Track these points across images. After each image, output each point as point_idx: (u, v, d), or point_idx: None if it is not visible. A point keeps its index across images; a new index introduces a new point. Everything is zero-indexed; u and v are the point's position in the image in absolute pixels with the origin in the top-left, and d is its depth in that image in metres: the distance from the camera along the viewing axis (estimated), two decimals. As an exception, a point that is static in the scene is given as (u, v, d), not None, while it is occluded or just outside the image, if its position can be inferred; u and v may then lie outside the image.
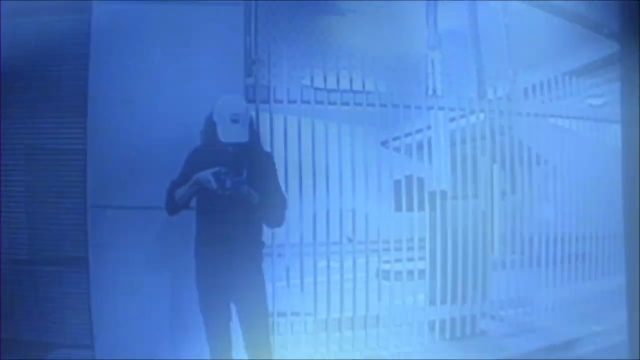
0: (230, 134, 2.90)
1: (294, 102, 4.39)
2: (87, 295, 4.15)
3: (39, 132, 4.50)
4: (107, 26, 3.99)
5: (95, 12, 4.02)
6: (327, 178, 4.48)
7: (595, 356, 4.42)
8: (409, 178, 4.74)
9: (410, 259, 4.75)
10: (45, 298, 4.46)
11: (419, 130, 4.83)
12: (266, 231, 3.23)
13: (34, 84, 4.46)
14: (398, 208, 4.73)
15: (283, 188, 3.52)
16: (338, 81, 4.52)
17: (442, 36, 4.99)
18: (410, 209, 4.72)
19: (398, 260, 4.67)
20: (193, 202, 3.05)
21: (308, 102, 4.44)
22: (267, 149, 3.78)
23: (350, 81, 4.55)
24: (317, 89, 4.48)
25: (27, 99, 4.48)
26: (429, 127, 4.85)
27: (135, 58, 3.94)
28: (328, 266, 4.49)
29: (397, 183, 4.71)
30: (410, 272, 4.74)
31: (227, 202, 2.86)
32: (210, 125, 2.99)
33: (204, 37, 3.94)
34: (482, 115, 4.97)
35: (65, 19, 4.31)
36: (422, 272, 4.80)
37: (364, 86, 4.58)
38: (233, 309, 3.08)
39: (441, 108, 4.85)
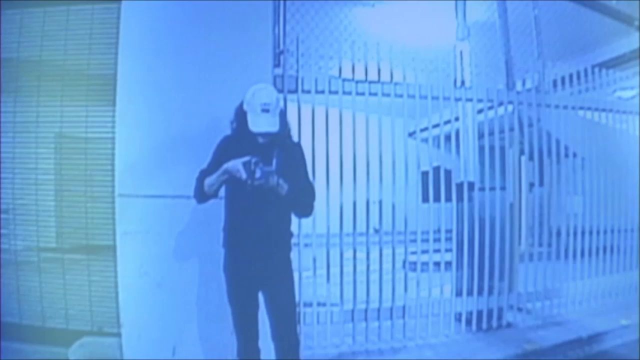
0: (260, 124, 2.88)
1: (322, 92, 4.40)
2: (114, 284, 4.14)
3: (69, 120, 4.53)
4: (136, 17, 3.98)
5: (125, 4, 4.01)
6: (355, 168, 4.48)
7: (622, 350, 4.41)
8: (436, 169, 4.73)
9: (436, 250, 4.76)
10: (73, 286, 4.50)
11: (447, 122, 4.82)
12: (293, 221, 3.21)
13: (64, 73, 4.51)
14: (425, 199, 4.70)
15: (311, 178, 3.53)
16: (366, 72, 4.51)
17: (470, 27, 4.97)
18: (437, 200, 4.70)
19: (425, 252, 4.66)
20: (222, 191, 3.04)
21: (336, 92, 4.45)
22: (295, 139, 3.71)
23: (379, 72, 4.55)
24: (345, 79, 4.48)
25: (57, 87, 4.53)
26: (457, 119, 4.83)
27: (164, 49, 3.93)
28: (354, 257, 4.48)
29: (425, 174, 4.69)
30: (437, 264, 4.76)
31: (256, 191, 2.83)
32: (240, 115, 2.98)
33: (232, 28, 3.94)
34: (510, 107, 4.95)
35: (96, 8, 4.35)
36: (448, 264, 4.80)
37: (392, 77, 4.58)
38: (261, 298, 3.07)
39: (469, 99, 4.85)
